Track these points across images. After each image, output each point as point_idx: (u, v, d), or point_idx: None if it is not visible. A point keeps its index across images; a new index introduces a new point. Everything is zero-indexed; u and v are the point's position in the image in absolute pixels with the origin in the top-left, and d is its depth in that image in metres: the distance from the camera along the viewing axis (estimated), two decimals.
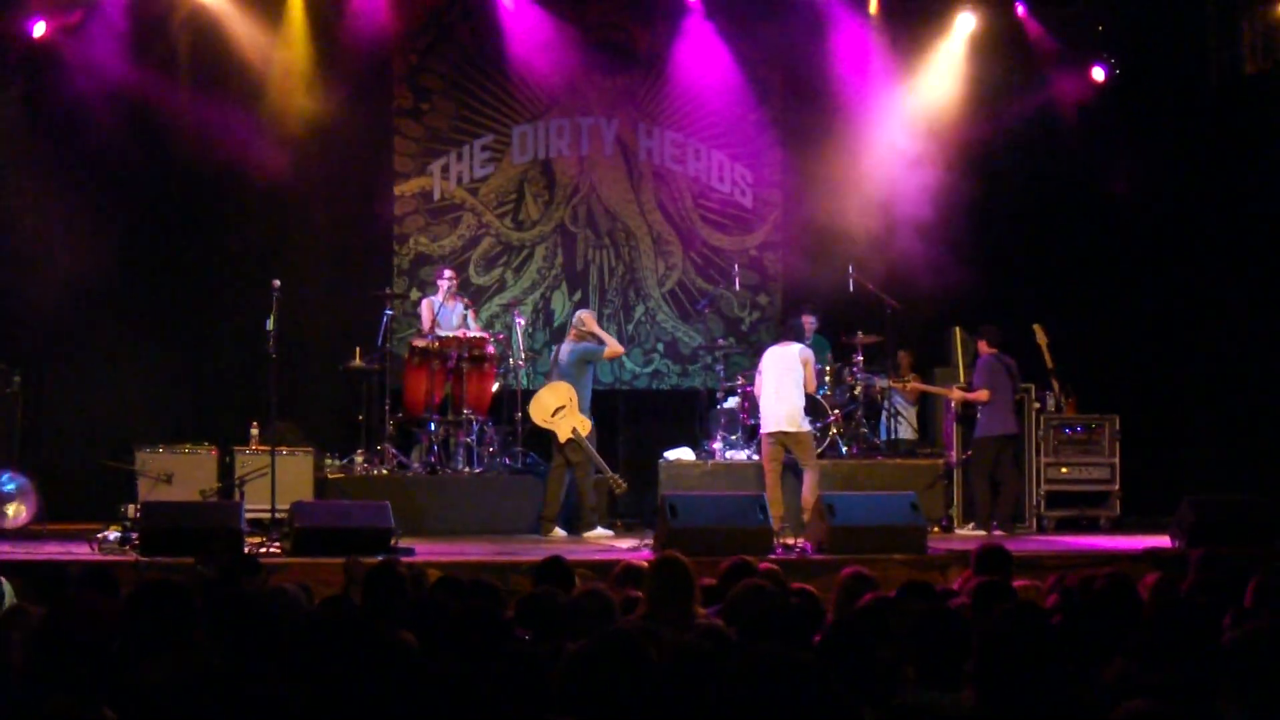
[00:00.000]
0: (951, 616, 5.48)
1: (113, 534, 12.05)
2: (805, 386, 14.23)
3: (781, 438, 14.10)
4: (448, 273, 15.49)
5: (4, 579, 8.65)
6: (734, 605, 6.40)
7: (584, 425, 14.35)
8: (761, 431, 14.31)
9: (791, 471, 14.32)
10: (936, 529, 14.18)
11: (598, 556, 11.44)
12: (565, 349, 14.77)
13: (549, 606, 6.19)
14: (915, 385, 15.81)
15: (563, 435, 14.29)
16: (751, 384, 15.21)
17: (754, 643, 5.21)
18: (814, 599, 7.30)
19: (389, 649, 4.93)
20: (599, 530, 14.15)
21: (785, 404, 14.09)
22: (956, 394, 15.21)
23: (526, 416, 14.74)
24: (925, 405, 16.51)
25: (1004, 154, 16.94)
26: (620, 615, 6.49)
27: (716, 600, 7.47)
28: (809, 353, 14.42)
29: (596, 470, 14.30)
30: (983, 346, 14.91)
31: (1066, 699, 4.33)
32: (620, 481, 14.30)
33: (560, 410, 14.32)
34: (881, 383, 15.79)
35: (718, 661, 4.55)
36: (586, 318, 15.02)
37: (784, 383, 14.12)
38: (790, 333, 14.64)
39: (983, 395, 14.77)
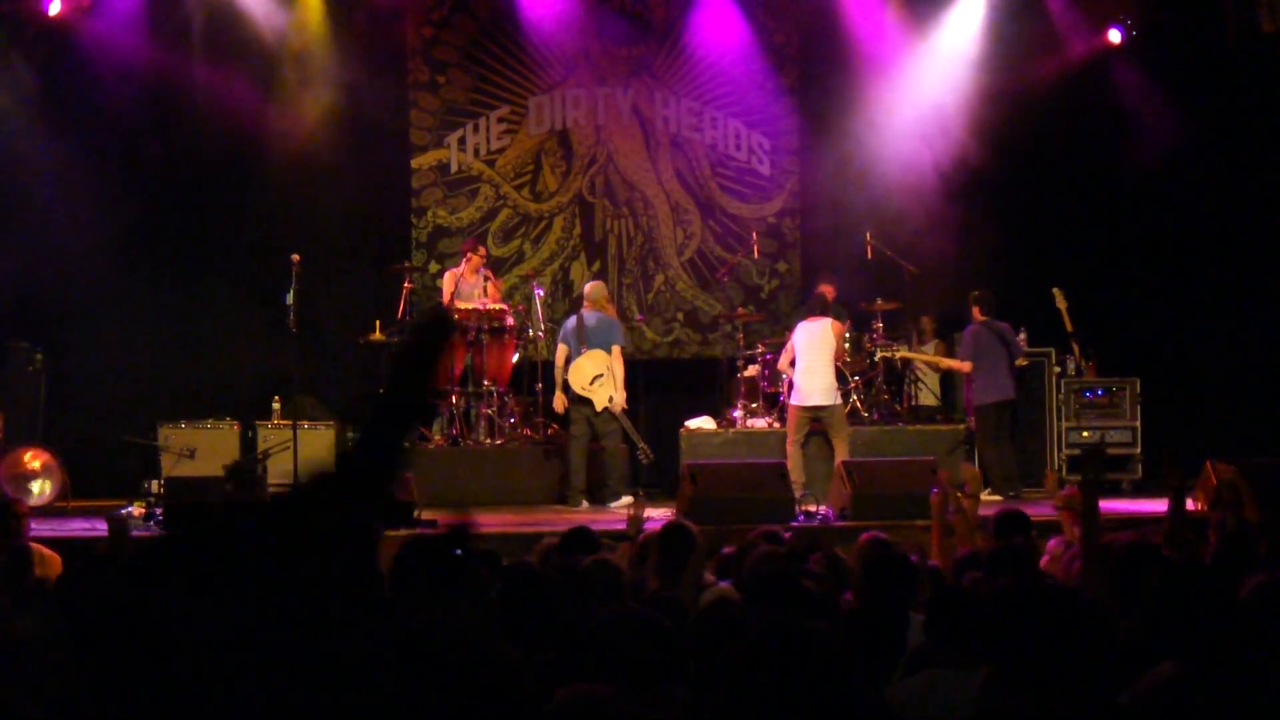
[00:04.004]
0: (963, 594, 5.49)
1: (136, 510, 12.13)
2: (836, 357, 14.27)
3: (814, 412, 14.12)
4: (481, 249, 15.48)
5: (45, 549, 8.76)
6: (748, 574, 6.41)
7: (620, 394, 14.42)
8: (790, 403, 14.30)
9: (819, 437, 14.34)
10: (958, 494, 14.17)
11: (620, 526, 11.46)
12: (591, 319, 14.65)
13: (562, 576, 6.21)
14: (904, 354, 15.80)
15: (599, 403, 14.33)
16: (772, 353, 15.22)
17: (767, 611, 5.22)
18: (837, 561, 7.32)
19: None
20: (624, 499, 14.20)
21: (819, 379, 14.08)
22: (943, 363, 15.26)
23: (551, 386, 14.77)
24: (946, 371, 16.47)
25: (1021, 116, 16.86)
26: (629, 585, 6.51)
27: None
28: (839, 325, 14.46)
29: (626, 439, 14.36)
30: (975, 313, 14.85)
31: (1083, 669, 4.33)
32: (649, 451, 14.37)
33: (599, 378, 14.36)
34: (898, 349, 15.75)
35: (729, 630, 4.57)
36: (601, 295, 14.92)
37: (817, 357, 14.11)
38: (817, 306, 14.57)
39: (964, 366, 14.76)
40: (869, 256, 16.18)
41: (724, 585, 6.85)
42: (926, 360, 15.80)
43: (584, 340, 14.52)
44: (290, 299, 12.80)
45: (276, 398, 14.65)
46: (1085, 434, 15.21)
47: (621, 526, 10.39)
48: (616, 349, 14.53)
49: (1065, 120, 17.03)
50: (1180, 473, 7.97)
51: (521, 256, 17.13)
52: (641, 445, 14.39)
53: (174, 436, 14.26)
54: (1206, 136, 16.70)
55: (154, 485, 13.20)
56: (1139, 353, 16.10)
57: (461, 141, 17.13)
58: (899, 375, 16.18)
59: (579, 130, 17.34)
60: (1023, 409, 15.04)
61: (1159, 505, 12.59)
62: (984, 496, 14.28)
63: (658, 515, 12.53)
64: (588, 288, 15.07)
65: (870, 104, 17.12)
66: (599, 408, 14.34)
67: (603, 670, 4.45)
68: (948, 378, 16.32)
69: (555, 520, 12.04)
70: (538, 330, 15.30)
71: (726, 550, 7.89)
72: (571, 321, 14.77)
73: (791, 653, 3.53)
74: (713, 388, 16.23)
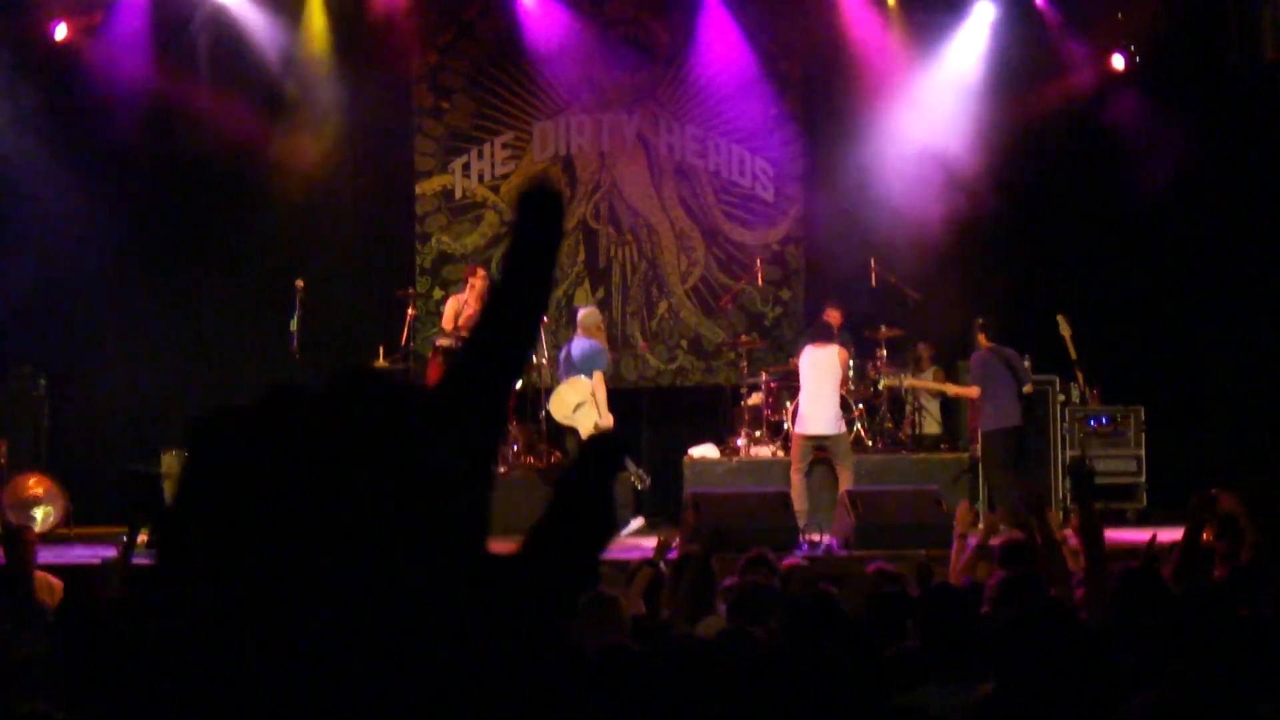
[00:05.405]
0: (965, 613, 5.47)
1: (140, 537, 12.07)
2: (840, 385, 14.25)
3: (819, 440, 14.09)
4: (480, 271, 15.49)
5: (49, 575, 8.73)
6: (738, 603, 6.40)
7: (606, 419, 14.34)
8: (795, 431, 14.27)
9: (823, 466, 14.31)
10: None
11: (622, 555, 11.41)
12: (576, 346, 14.64)
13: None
14: (912, 382, 15.78)
15: (584, 430, 14.27)
16: (776, 380, 15.24)
17: (773, 641, 5.21)
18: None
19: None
20: (632, 524, 14.13)
21: (825, 407, 14.04)
22: (950, 389, 15.24)
23: (549, 415, 14.77)
24: (948, 399, 16.42)
25: (1025, 143, 16.89)
26: (628, 616, 6.47)
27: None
28: (845, 352, 14.44)
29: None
30: (980, 339, 14.83)
31: (1088, 695, 4.32)
32: (643, 476, 14.31)
33: (581, 405, 14.30)
34: (904, 377, 15.72)
35: (739, 660, 4.55)
36: (592, 323, 14.88)
37: (823, 385, 14.07)
38: (824, 332, 14.55)
39: (972, 391, 14.73)
40: (873, 283, 16.17)
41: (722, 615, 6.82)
42: (934, 388, 15.76)
43: (568, 369, 14.50)
44: (294, 325, 12.80)
45: None
46: (1089, 462, 15.16)
47: (625, 555, 10.37)
48: (598, 374, 14.46)
49: (1069, 146, 17.05)
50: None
51: None
52: (635, 470, 14.32)
53: (177, 463, 14.23)
54: (1210, 163, 16.70)
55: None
56: (1143, 380, 16.07)
57: (466, 167, 17.14)
58: (901, 402, 16.16)
59: (583, 156, 17.36)
60: (1027, 437, 15.00)
61: (1164, 534, 12.58)
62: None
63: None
64: (580, 315, 15.06)
65: (874, 130, 17.13)
66: (584, 435, 14.28)
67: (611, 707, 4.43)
68: (950, 405, 16.28)
69: None
70: (541, 358, 15.26)
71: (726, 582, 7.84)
72: (562, 353, 14.78)
73: (800, 681, 3.51)
74: (716, 415, 16.21)
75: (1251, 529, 8.77)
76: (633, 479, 14.27)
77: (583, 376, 14.40)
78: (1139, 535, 13.08)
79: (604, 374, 14.58)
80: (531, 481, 14.77)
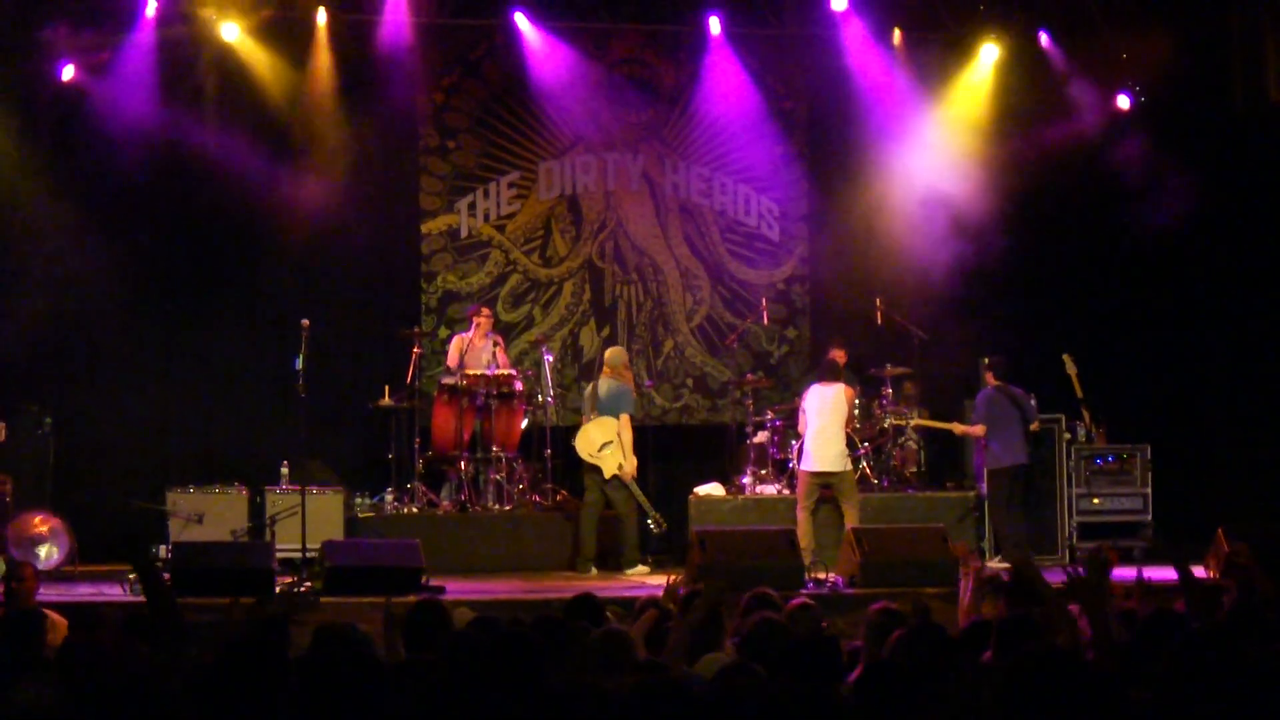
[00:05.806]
0: (956, 653, 5.45)
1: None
2: (846, 424, 14.26)
3: (825, 478, 14.10)
4: (485, 311, 15.51)
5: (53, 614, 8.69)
6: (748, 640, 6.36)
7: (630, 462, 14.36)
8: (801, 468, 14.28)
9: (829, 505, 14.29)
10: None
11: (628, 593, 11.39)
12: (604, 386, 14.70)
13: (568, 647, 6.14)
14: (919, 422, 15.75)
15: (608, 470, 14.30)
16: (781, 419, 15.23)
17: (784, 680, 5.18)
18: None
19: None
20: (640, 567, 14.14)
21: (830, 445, 14.06)
22: (958, 429, 15.21)
23: (560, 452, 14.77)
24: (933, 438, 16.25)
25: (1030, 183, 16.91)
26: (639, 653, 6.42)
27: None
28: (850, 390, 14.45)
29: (638, 508, 14.31)
30: (988, 378, 14.84)
31: None
32: (660, 520, 14.32)
33: (607, 445, 14.33)
34: (898, 419, 15.68)
35: (748, 698, 4.53)
36: (620, 362, 14.92)
37: (829, 423, 14.09)
38: (829, 371, 14.56)
39: (978, 430, 14.73)
40: (879, 322, 16.18)
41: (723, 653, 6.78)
42: (941, 427, 15.71)
43: (594, 407, 14.55)
44: (300, 364, 12.78)
45: (285, 462, 14.62)
46: (1096, 500, 15.14)
47: (629, 594, 10.35)
48: (625, 417, 14.51)
49: (1074, 186, 17.08)
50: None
51: (531, 322, 17.12)
52: (653, 514, 14.35)
53: (182, 501, 14.23)
54: (1215, 203, 16.72)
55: (162, 550, 13.18)
56: (1149, 419, 16.05)
57: (471, 207, 17.15)
58: (900, 433, 16.07)
59: (589, 196, 17.37)
60: (1033, 476, 14.98)
61: (1171, 573, 12.51)
62: (995, 564, 14.26)
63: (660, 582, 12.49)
64: (607, 353, 15.15)
65: (879, 170, 17.17)
66: (607, 475, 14.32)
67: None
68: (948, 443, 16.17)
69: (564, 587, 11.99)
70: (546, 396, 15.27)
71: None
72: (588, 389, 14.86)
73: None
74: (722, 454, 16.18)
75: (1264, 581, 8.74)
76: (650, 523, 14.29)
77: (609, 417, 14.44)
78: (1146, 574, 13.04)
79: (630, 416, 14.59)
80: (536, 519, 14.76)
